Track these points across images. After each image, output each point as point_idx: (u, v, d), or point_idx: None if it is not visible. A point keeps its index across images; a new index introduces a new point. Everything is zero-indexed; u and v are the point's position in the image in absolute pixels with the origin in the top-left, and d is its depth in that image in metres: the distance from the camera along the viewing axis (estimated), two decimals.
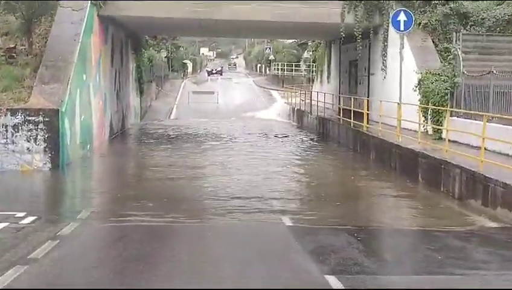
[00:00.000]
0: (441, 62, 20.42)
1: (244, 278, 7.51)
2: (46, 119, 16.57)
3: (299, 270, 7.88)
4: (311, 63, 47.19)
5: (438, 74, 19.09)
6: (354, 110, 22.93)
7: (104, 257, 8.71)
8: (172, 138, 26.32)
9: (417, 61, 20.90)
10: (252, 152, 21.44)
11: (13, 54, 19.24)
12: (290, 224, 10.78)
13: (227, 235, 10.25)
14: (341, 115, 24.77)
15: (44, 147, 16.58)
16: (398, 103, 18.63)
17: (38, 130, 16.57)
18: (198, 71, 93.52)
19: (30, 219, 10.74)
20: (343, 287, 7.09)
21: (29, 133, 16.50)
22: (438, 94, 18.40)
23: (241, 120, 36.14)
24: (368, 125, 21.44)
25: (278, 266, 8.11)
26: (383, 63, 24.08)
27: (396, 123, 18.58)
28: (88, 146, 20.60)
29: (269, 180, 15.75)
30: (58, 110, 16.76)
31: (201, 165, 18.32)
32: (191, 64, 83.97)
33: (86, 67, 20.54)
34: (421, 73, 19.78)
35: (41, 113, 16.57)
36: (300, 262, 8.27)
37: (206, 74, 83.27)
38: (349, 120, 23.05)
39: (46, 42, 19.28)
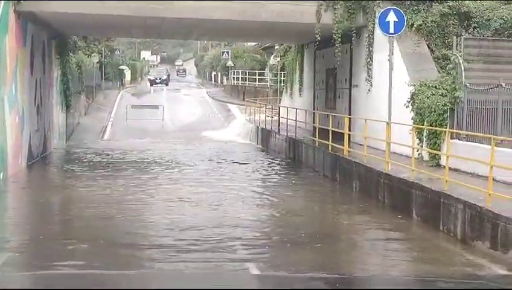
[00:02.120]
0: (439, 72, 20.81)
1: None
2: None
3: None
4: (279, 72, 47.57)
5: (435, 87, 19.43)
6: (332, 130, 23.16)
7: None
8: (107, 164, 26.19)
9: (409, 71, 21.29)
10: (205, 182, 21.46)
11: None
12: (257, 273, 10.83)
13: (179, 287, 10.24)
14: (316, 136, 24.99)
15: None
16: (387, 122, 18.88)
17: None
18: (139, 80, 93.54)
19: None
20: None
21: None
22: (435, 111, 18.71)
23: (192, 142, 36.20)
24: (349, 149, 21.68)
25: None
26: (368, 72, 24.46)
27: (385, 147, 18.82)
28: (1, 175, 20.42)
29: (229, 218, 15.80)
30: None
31: (143, 200, 18.25)
32: (129, 71, 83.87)
33: (0, 75, 20.41)
34: (414, 85, 20.12)
35: None
36: None
37: (149, 84, 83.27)
38: (326, 142, 23.26)
39: None
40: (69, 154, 30.46)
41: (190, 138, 38.53)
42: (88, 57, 50.87)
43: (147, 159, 28.23)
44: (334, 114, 25.45)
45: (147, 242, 13.34)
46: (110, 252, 12.43)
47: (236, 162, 27.57)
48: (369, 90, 24.49)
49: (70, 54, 36.19)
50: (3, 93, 20.81)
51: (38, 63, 26.72)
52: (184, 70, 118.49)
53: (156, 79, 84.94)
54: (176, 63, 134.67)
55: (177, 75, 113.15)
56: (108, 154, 29.72)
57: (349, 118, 23.28)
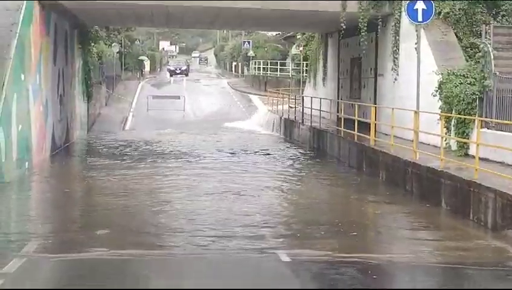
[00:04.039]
0: (467, 61, 20.87)
1: None
2: None
3: None
4: (301, 62, 47.65)
5: (463, 76, 19.50)
6: (358, 120, 23.29)
7: None
8: (128, 155, 26.42)
9: (437, 60, 21.37)
10: (228, 173, 21.67)
11: None
12: (288, 260, 11.00)
13: (210, 273, 10.44)
14: (342, 125, 25.12)
15: None
16: (415, 111, 18.99)
17: None
18: (158, 70, 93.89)
19: None
20: None
21: None
22: (463, 100, 18.79)
23: (213, 132, 36.37)
24: (375, 139, 21.81)
25: None
26: (394, 61, 24.55)
27: (413, 136, 18.94)
28: (26, 164, 20.72)
29: (255, 207, 15.99)
30: None
31: (165, 189, 18.48)
32: (149, 61, 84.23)
33: (25, 65, 20.71)
34: (442, 74, 20.20)
35: None
36: None
37: (168, 74, 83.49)
38: (352, 132, 23.40)
39: None
40: (90, 145, 30.78)
41: (212, 128, 38.71)
42: (108, 47, 51.19)
43: (169, 149, 28.48)
44: (359, 103, 25.55)
45: (171, 230, 13.52)
46: (134, 239, 12.64)
47: (259, 153, 27.76)
48: (395, 79, 24.56)
49: (92, 44, 36.45)
50: (27, 83, 21.10)
51: (61, 53, 27.01)
52: (206, 59, 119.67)
53: (176, 69, 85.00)
54: (193, 55, 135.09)
55: (199, 63, 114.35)
56: (130, 145, 29.94)
57: (375, 108, 23.36)
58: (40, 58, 22.98)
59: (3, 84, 18.09)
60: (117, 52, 56.39)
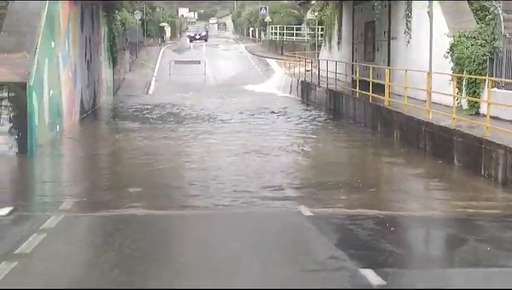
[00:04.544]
0: (477, 23, 20.81)
1: (270, 278, 7.87)
2: (12, 94, 16.90)
3: (332, 265, 8.29)
4: (316, 26, 47.52)
5: (474, 38, 19.50)
6: (372, 82, 23.34)
7: (100, 253, 9.10)
8: (153, 118, 26.62)
9: (448, 23, 21.31)
10: (249, 133, 21.87)
11: None
12: (309, 214, 11.19)
13: (237, 227, 10.65)
14: (357, 87, 25.18)
15: (10, 128, 16.92)
16: (428, 73, 19.05)
17: (2, 107, 16.91)
18: (178, 36, 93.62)
19: (5, 210, 11.16)
20: (384, 282, 7.53)
21: None
22: (474, 61, 18.81)
23: (233, 95, 36.48)
24: (390, 100, 21.89)
25: (307, 261, 8.53)
26: (407, 25, 24.52)
27: (426, 96, 19.02)
28: (57, 127, 20.97)
29: (277, 165, 16.19)
30: (25, 83, 17.08)
31: (189, 149, 18.72)
32: (170, 28, 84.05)
33: (54, 33, 20.88)
34: (454, 36, 20.20)
35: (5, 87, 16.89)
36: (331, 256, 8.70)
37: (188, 40, 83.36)
38: (366, 93, 23.48)
39: (6, 3, 19.54)
40: (116, 109, 31.03)
41: (231, 91, 38.82)
42: (131, 14, 51.19)
43: (191, 112, 28.64)
44: (374, 66, 25.57)
45: (197, 187, 13.68)
46: (164, 196, 12.84)
47: (278, 114, 27.91)
48: (408, 42, 24.57)
49: (116, 11, 36.52)
50: (57, 50, 21.27)
51: (87, 22, 27.14)
52: (224, 24, 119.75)
53: (196, 35, 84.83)
54: (210, 21, 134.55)
55: (218, 28, 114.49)
56: (154, 108, 30.11)
57: (389, 70, 23.40)
58: (69, 27, 23.14)
59: (35, 52, 18.26)
60: (139, 20, 56.38)
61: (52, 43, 20.54)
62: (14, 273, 7.81)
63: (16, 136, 16.96)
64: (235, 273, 8.08)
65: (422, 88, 19.62)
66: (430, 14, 19.43)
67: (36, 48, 18.35)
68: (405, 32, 24.70)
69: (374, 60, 29.02)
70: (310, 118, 26.79)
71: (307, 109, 30.13)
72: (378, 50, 29.12)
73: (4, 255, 8.49)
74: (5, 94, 16.87)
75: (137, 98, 35.59)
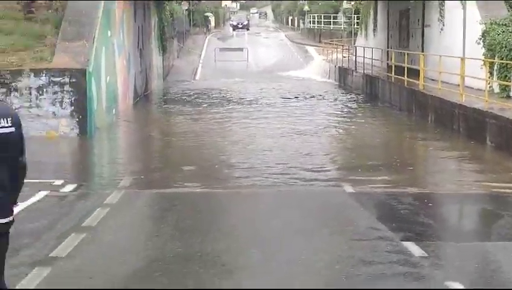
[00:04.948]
0: (508, 11, 20.54)
1: (317, 250, 7.93)
2: (73, 80, 17.11)
3: (375, 237, 8.33)
4: (353, 15, 47.19)
5: (505, 25, 19.26)
6: (407, 67, 23.18)
7: (158, 226, 9.24)
8: (200, 102, 26.70)
9: (480, 10, 21.02)
10: (289, 116, 21.87)
11: (32, 9, 19.75)
12: (352, 191, 11.22)
13: (283, 204, 10.67)
14: (392, 72, 25.03)
15: (71, 111, 17.14)
16: (461, 58, 18.87)
17: (64, 92, 17.12)
18: (222, 25, 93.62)
19: (70, 187, 11.35)
20: (425, 254, 7.55)
21: (55, 96, 17.05)
22: (505, 47, 18.56)
23: (275, 80, 36.42)
24: (424, 84, 21.73)
25: (351, 233, 8.57)
26: (440, 13, 24.26)
27: (459, 81, 18.86)
28: (113, 111, 21.18)
29: (318, 146, 16.22)
30: (85, 70, 17.27)
31: (238, 132, 18.76)
32: (214, 17, 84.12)
33: (110, 23, 21.04)
34: (485, 24, 19.95)
35: (67, 73, 17.09)
36: (373, 229, 8.73)
37: (231, 29, 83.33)
38: (402, 78, 23.33)
39: None
40: (166, 93, 31.19)
41: (273, 76, 38.80)
42: (178, 5, 51.31)
43: (236, 96, 28.70)
44: (409, 52, 25.37)
45: (245, 166, 13.72)
46: (215, 174, 12.95)
47: (317, 97, 27.87)
48: (441, 29, 24.32)
49: (165, 2, 36.66)
50: (113, 38, 21.46)
51: (139, 12, 27.29)
52: (265, 14, 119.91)
53: (238, 24, 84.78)
54: (251, 11, 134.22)
55: (259, 17, 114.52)
56: (201, 93, 30.19)
57: (424, 55, 23.22)
58: (123, 17, 23.31)
59: (94, 41, 18.45)
60: (186, 10, 56.52)
61: (109, 33, 20.72)
62: (83, 244, 7.97)
63: (77, 119, 17.17)
64: (285, 244, 8.13)
65: (455, 73, 19.45)
66: (463, 3, 19.24)
67: (94, 37, 18.53)
68: (438, 20, 24.44)
69: (408, 47, 28.76)
70: (348, 101, 26.72)
71: (345, 93, 30.00)
72: (412, 37, 28.86)
73: (73, 228, 8.67)
74: (67, 80, 17.07)
75: (185, 83, 35.76)
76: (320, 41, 54.04)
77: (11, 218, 4.87)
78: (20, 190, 5.01)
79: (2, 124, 4.72)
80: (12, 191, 4.88)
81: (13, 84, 16.63)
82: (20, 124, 4.91)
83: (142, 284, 6.69)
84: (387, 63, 28.38)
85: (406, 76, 23.04)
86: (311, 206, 10.38)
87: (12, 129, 4.78)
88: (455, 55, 19.91)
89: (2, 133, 4.72)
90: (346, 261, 7.37)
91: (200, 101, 27.06)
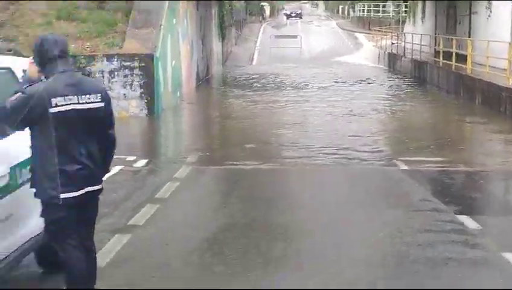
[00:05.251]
0: None
1: (377, 221, 7.89)
2: (142, 64, 17.28)
3: (431, 211, 8.26)
4: (401, 3, 46.56)
5: None
6: (455, 52, 22.80)
7: (225, 199, 9.32)
8: (258, 86, 26.69)
9: None
10: (345, 98, 21.76)
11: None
12: (405, 168, 11.12)
13: (343, 180, 10.65)
14: (440, 57, 24.67)
15: (141, 93, 17.33)
16: (509, 43, 18.51)
17: (134, 76, 17.32)
18: (276, 14, 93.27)
19: (142, 162, 11.50)
20: (479, 226, 7.47)
21: (125, 79, 17.26)
22: None
23: (327, 66, 36.21)
24: (471, 68, 21.36)
25: (407, 207, 8.51)
26: (488, 1, 23.76)
27: (506, 65, 18.49)
28: (178, 93, 21.35)
29: (370, 126, 16.11)
30: (153, 55, 17.44)
31: (293, 113, 18.68)
32: (269, 7, 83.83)
33: (175, 11, 21.15)
34: None
35: (136, 58, 17.28)
36: (428, 203, 8.67)
37: (285, 17, 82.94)
38: (449, 63, 22.98)
39: None
40: (226, 78, 31.27)
41: (325, 62, 38.54)
42: None
43: (291, 80, 28.59)
44: (457, 38, 24.93)
45: (302, 145, 13.54)
46: (275, 152, 12.97)
47: (368, 81, 27.64)
48: (488, 16, 23.84)
49: None
50: (178, 26, 21.58)
51: (202, 1, 27.35)
52: (317, 3, 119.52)
53: (292, 13, 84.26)
54: (303, 1, 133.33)
55: (311, 6, 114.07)
56: (258, 77, 30.17)
57: (471, 41, 22.81)
58: (187, 6, 23.40)
59: (160, 28, 18.59)
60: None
61: (174, 21, 20.84)
62: (158, 214, 8.09)
63: (145, 101, 17.37)
64: (345, 216, 8.11)
65: (502, 57, 19.06)
66: None
67: (161, 25, 18.67)
68: (486, 8, 23.96)
69: (456, 34, 28.26)
70: (397, 85, 26.43)
71: (394, 77, 29.67)
72: (459, 24, 28.36)
73: (147, 199, 8.80)
74: (137, 64, 17.26)
75: (243, 68, 35.77)
76: (369, 29, 53.47)
77: (100, 186, 4.99)
78: (111, 161, 5.13)
79: (92, 100, 4.82)
80: (102, 162, 4.99)
81: (87, 68, 16.87)
82: (110, 101, 5.00)
83: (213, 251, 6.76)
84: (435, 49, 27.95)
85: (454, 60, 22.69)
86: (367, 182, 10.31)
87: (102, 104, 4.88)
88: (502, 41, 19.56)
89: (92, 108, 4.81)
90: (405, 232, 7.33)
91: (257, 85, 27.07)
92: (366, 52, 43.18)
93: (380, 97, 22.36)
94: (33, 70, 4.84)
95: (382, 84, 26.55)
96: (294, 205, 8.71)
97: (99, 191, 4.99)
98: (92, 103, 4.80)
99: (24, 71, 5.38)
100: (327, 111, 18.88)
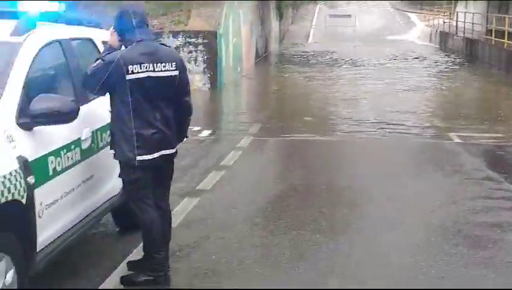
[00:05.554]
0: None
1: (433, 189, 7.76)
2: (205, 41, 17.32)
3: (484, 180, 8.10)
4: None
5: None
6: (507, 30, 22.21)
7: (286, 166, 9.30)
8: (313, 62, 26.52)
9: None
10: (399, 75, 21.42)
11: None
12: (459, 141, 10.90)
13: (399, 151, 10.51)
14: (492, 35, 24.04)
15: (204, 68, 17.40)
16: None
17: (198, 51, 17.37)
18: None
19: (206, 132, 11.56)
20: None
21: (190, 54, 17.31)
22: None
23: (380, 44, 35.71)
24: None
25: (462, 176, 8.36)
26: None
27: None
28: (238, 69, 21.35)
29: (424, 101, 15.86)
30: (216, 32, 17.45)
31: (348, 89, 18.42)
32: None
33: None
34: None
35: (200, 35, 17.31)
36: (482, 173, 8.50)
37: None
38: (501, 40, 22.39)
39: None
40: (283, 55, 31.09)
41: (378, 40, 38.02)
42: None
43: (346, 57, 28.26)
44: (509, 16, 24.25)
45: (359, 119, 13.36)
46: (332, 125, 12.85)
47: (420, 59, 27.17)
48: None
49: None
50: (239, 7, 21.52)
51: None
52: None
53: None
54: None
55: None
56: (314, 54, 29.98)
57: None
58: None
59: (223, 7, 18.58)
60: None
61: (235, 2, 20.78)
62: (223, 179, 8.13)
63: (208, 75, 17.44)
64: (403, 184, 8.00)
65: None
66: None
67: (224, 4, 18.65)
68: None
69: (508, 13, 27.47)
70: (449, 62, 25.92)
71: (446, 55, 29.09)
72: None
73: (213, 166, 8.85)
74: (200, 41, 17.31)
75: (299, 46, 35.51)
76: (421, 9, 52.46)
77: (174, 150, 5.02)
78: (187, 127, 5.15)
79: (167, 68, 4.82)
80: (178, 128, 5.01)
81: None
82: (185, 69, 5.00)
83: (276, 214, 6.75)
84: (487, 27, 27.23)
85: (506, 38, 22.11)
86: (422, 154, 10.17)
87: (176, 73, 4.88)
88: None
89: (168, 76, 4.82)
90: (460, 199, 7.21)
91: (313, 61, 26.87)
92: (418, 31, 42.44)
93: (433, 74, 21.97)
94: (114, 39, 4.89)
95: (434, 62, 26.05)
96: (353, 174, 8.63)
97: (174, 155, 5.03)
98: (167, 71, 4.81)
99: (104, 42, 5.44)
100: (381, 87, 18.63)
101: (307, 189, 7.75)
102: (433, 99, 16.48)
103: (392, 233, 6.14)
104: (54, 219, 4.37)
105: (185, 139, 5.24)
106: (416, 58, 27.61)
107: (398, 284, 4.92)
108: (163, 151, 4.87)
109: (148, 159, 4.78)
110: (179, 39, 17.26)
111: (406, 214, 6.75)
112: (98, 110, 5.16)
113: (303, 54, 30.51)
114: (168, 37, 17.18)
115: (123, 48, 4.82)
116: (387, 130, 12.23)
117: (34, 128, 4.16)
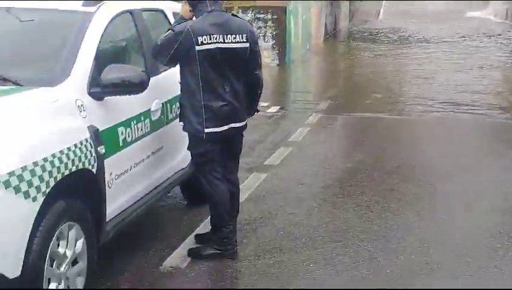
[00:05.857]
0: None
1: (506, 169, 7.55)
2: (275, 16, 17.17)
3: None
4: None
5: None
6: None
7: (355, 143, 9.12)
8: (382, 40, 25.95)
9: None
10: (470, 53, 20.79)
11: None
12: None
13: (470, 131, 10.19)
14: None
15: (272, 44, 17.27)
16: None
17: (267, 27, 17.25)
18: None
19: (274, 108, 11.46)
20: None
21: (259, 30, 17.17)
22: None
23: (454, 21, 34.70)
24: None
25: None
26: None
27: None
28: (307, 46, 21.14)
29: (496, 81, 15.37)
30: (285, 8, 17.28)
31: (417, 67, 17.86)
32: None
33: None
34: None
35: (270, 11, 17.18)
36: None
37: None
38: None
39: None
40: (352, 32, 30.57)
41: (452, 17, 36.95)
42: None
43: (416, 35, 27.56)
44: None
45: (425, 97, 12.86)
46: (400, 103, 12.47)
47: (493, 36, 26.29)
48: None
49: None
50: None
51: None
52: None
53: None
54: None
55: None
56: (383, 32, 29.35)
57: None
58: None
59: None
60: None
61: None
62: (291, 155, 8.06)
63: (277, 51, 17.31)
64: (473, 164, 7.75)
65: None
66: None
67: None
68: None
69: None
70: None
71: None
72: None
73: (281, 142, 8.79)
74: (270, 16, 17.17)
75: (368, 24, 34.90)
76: None
77: (243, 123, 4.95)
78: (257, 101, 5.07)
79: (238, 40, 4.74)
80: (248, 101, 4.94)
81: None
82: (256, 41, 4.91)
83: (345, 190, 6.63)
84: None
85: None
86: (494, 133, 9.84)
87: (247, 45, 4.79)
88: None
89: (238, 47, 4.74)
90: None
91: (382, 39, 26.34)
92: (494, 8, 41.03)
93: (506, 52, 21.21)
94: (185, 9, 4.84)
95: (509, 39, 25.15)
96: (423, 152, 8.43)
97: (243, 128, 4.96)
98: (237, 42, 4.73)
99: (174, 14, 5.40)
100: (454, 65, 18.07)
101: (377, 166, 7.58)
102: (508, 80, 15.89)
103: (465, 214, 5.95)
104: (123, 190, 4.38)
105: (255, 113, 5.15)
106: (492, 36, 26.74)
107: (469, 270, 4.75)
108: (232, 124, 4.82)
109: (217, 132, 4.74)
110: (248, 15, 17.14)
111: (478, 195, 6.53)
112: (169, 81, 5.13)
113: (373, 31, 29.98)
114: (238, 12, 17.00)
115: (194, 18, 4.76)
116: (457, 110, 11.83)
117: (105, 98, 4.15)
